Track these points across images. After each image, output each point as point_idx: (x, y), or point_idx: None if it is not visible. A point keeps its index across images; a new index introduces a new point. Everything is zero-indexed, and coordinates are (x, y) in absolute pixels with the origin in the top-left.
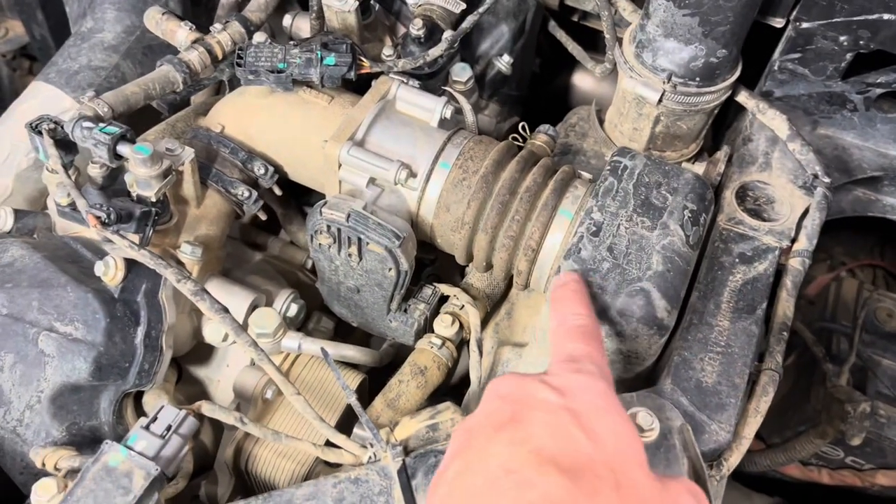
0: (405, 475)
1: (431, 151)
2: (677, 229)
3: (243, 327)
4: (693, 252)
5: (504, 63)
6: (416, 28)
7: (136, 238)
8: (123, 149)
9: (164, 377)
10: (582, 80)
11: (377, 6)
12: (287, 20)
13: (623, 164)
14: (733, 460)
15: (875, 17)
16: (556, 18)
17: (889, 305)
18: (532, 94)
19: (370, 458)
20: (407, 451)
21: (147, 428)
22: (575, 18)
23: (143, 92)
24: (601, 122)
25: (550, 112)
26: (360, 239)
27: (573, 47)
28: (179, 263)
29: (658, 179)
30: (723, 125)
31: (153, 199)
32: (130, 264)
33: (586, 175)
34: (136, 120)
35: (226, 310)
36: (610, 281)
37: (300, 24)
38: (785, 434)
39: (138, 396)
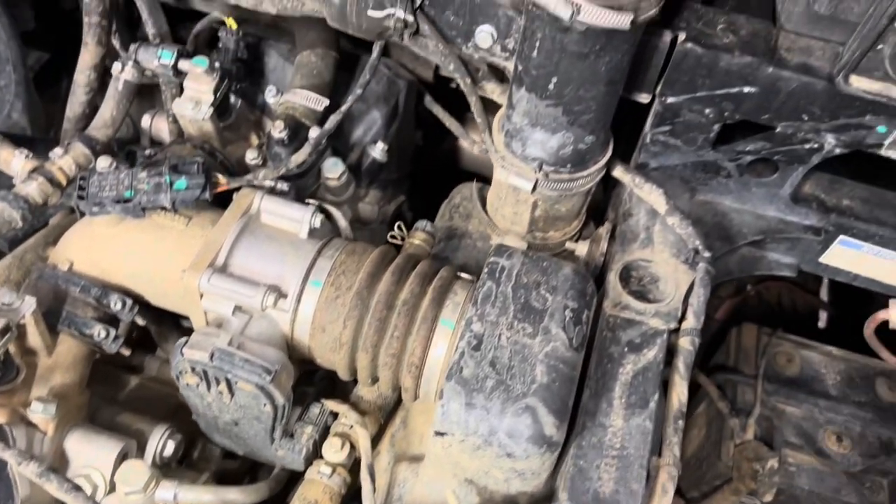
0: None
1: (301, 268)
2: (559, 333)
3: (111, 484)
4: (578, 354)
5: (378, 151)
6: (279, 131)
7: None
8: None
9: None
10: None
11: (239, 102)
12: (146, 121)
13: (500, 264)
14: None
15: (736, 90)
16: (432, 91)
17: (787, 349)
18: (418, 167)
19: None
20: None
21: None
22: (453, 86)
23: None
24: (484, 201)
25: (440, 180)
26: (227, 378)
27: (450, 123)
28: (31, 425)
29: (537, 278)
30: (607, 190)
31: None
32: None
33: (466, 276)
34: None
35: (77, 488)
36: (494, 400)
37: (159, 125)
38: (702, 488)
39: None
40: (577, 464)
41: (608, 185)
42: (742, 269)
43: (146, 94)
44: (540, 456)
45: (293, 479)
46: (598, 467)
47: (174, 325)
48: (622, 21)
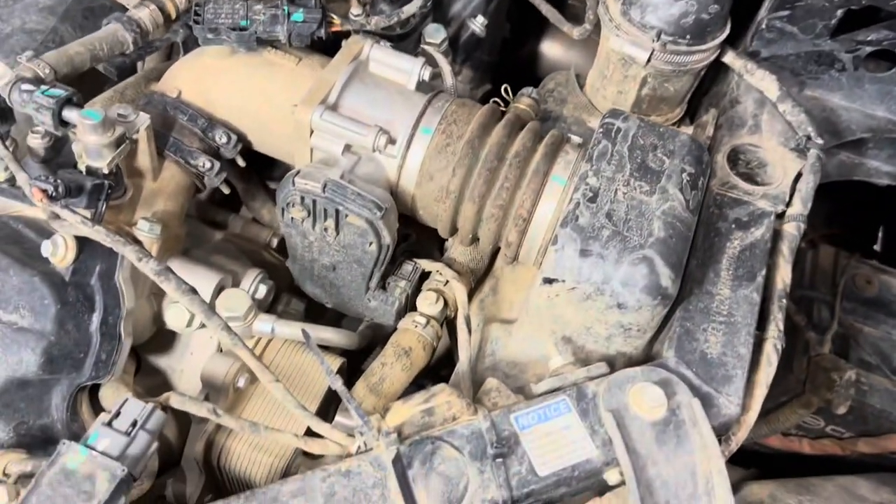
0: (401, 465)
1: (411, 116)
2: (676, 193)
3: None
4: (693, 217)
5: (478, 24)
6: None
7: (87, 213)
8: (70, 114)
9: (122, 368)
10: (551, 48)
11: None
12: None
13: (616, 125)
14: (741, 434)
15: None
16: None
17: (867, 272)
18: (501, 60)
19: (360, 447)
20: (401, 439)
21: (109, 424)
22: None
23: (89, 53)
24: (581, 85)
25: (517, 81)
26: (337, 211)
27: (547, 9)
28: (136, 242)
29: (653, 142)
30: (699, 91)
31: (105, 171)
32: (82, 243)
33: (576, 139)
34: (79, 88)
35: (194, 290)
36: (611, 249)
37: None
38: (766, 405)
39: (94, 391)
40: (683, 325)
41: (702, 87)
42: (841, 174)
43: None
44: (651, 308)
45: (370, 347)
46: (706, 330)
47: (261, 184)
48: None
